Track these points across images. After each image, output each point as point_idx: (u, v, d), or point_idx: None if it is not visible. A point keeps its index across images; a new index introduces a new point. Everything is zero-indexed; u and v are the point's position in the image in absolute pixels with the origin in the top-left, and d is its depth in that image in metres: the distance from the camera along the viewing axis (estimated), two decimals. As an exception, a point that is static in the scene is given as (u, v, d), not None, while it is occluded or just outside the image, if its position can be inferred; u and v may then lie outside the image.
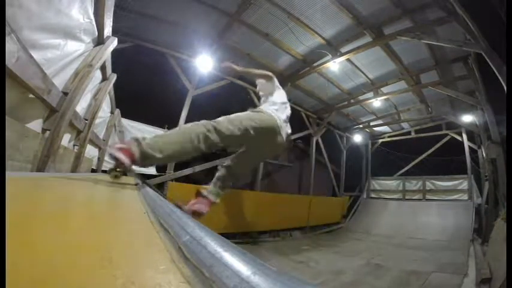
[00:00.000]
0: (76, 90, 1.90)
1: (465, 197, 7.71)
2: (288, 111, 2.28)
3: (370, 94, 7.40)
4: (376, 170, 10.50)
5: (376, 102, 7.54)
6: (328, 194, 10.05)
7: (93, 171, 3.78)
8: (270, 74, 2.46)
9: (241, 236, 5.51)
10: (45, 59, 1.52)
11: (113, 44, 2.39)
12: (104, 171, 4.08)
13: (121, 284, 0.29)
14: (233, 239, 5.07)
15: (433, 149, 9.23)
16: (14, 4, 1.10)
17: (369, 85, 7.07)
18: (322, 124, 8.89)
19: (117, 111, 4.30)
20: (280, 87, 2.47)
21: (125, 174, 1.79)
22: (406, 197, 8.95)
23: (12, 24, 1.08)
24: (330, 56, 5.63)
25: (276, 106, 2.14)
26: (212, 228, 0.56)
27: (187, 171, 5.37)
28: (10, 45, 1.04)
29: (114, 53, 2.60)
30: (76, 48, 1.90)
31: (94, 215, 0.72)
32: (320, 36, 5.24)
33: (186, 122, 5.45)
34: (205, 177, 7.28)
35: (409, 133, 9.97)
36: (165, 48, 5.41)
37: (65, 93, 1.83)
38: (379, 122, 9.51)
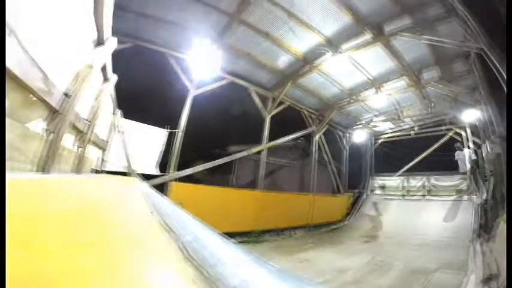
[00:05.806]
0: (77, 91, 1.90)
1: (467, 195, 7.67)
2: None
3: (371, 92, 7.37)
4: (377, 168, 10.46)
5: (378, 100, 7.50)
6: (330, 192, 10.03)
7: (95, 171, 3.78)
8: None
9: (243, 235, 5.52)
10: (46, 60, 1.52)
11: (113, 44, 2.40)
12: (106, 172, 4.10)
13: (124, 284, 0.29)
14: (235, 238, 5.07)
15: (435, 147, 9.19)
16: (14, 4, 1.10)
17: (370, 83, 7.03)
18: (323, 123, 8.87)
19: (118, 112, 4.30)
20: None
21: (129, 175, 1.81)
22: (408, 195, 8.91)
23: (12, 24, 1.08)
24: (331, 54, 5.61)
25: None
26: (214, 227, 0.55)
27: (188, 171, 5.36)
28: (10, 46, 1.04)
29: (115, 53, 2.61)
30: (76, 48, 1.90)
31: (96, 215, 0.72)
32: (320, 34, 5.22)
33: (188, 121, 5.45)
34: (206, 177, 7.34)
35: (410, 131, 9.92)
36: (165, 48, 5.41)
37: (66, 95, 1.84)
38: (381, 120, 9.47)
